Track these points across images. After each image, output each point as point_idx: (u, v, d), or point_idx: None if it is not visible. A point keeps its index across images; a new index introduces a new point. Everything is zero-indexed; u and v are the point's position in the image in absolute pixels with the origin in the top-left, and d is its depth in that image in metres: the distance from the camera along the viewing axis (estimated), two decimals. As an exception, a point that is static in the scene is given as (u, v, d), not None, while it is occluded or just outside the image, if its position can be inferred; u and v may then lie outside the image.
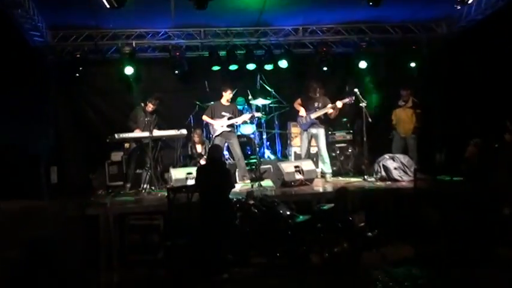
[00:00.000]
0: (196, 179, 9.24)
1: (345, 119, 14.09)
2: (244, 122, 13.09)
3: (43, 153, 11.86)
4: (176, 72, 13.70)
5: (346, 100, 12.22)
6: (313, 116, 12.40)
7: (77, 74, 13.21)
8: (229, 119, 12.56)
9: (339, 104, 12.18)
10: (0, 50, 10.16)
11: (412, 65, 14.06)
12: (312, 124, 12.48)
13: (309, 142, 12.75)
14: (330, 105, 12.28)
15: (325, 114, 12.39)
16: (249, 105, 13.69)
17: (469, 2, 10.32)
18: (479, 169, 9.57)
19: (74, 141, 13.63)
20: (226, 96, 12.67)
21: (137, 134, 12.20)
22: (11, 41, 10.98)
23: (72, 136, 13.61)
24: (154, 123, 12.48)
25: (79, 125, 13.78)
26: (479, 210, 8.48)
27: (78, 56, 12.93)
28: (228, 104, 12.73)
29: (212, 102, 13.09)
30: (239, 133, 13.29)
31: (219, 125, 12.54)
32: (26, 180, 10.86)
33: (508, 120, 9.57)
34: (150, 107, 12.66)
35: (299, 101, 12.76)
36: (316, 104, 12.46)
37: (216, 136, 12.57)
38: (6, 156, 10.23)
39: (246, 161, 13.11)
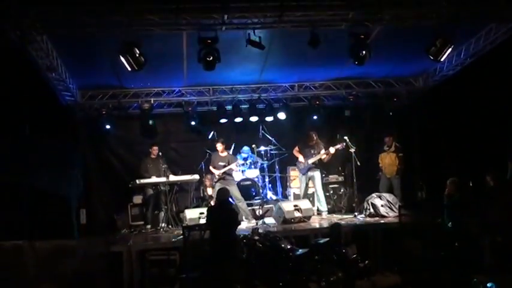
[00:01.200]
0: (207, 218, 9.23)
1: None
2: (249, 168, 13.10)
3: (73, 197, 11.87)
4: (193, 123, 13.79)
5: (338, 146, 12.30)
6: (311, 161, 12.46)
7: (105, 127, 13.28)
8: (223, 167, 12.56)
9: (332, 149, 12.27)
10: (37, 108, 10.25)
11: (394, 114, 14.14)
12: (310, 168, 12.52)
13: (307, 184, 12.76)
14: (323, 151, 12.34)
15: (320, 159, 12.42)
16: (253, 152, 13.71)
17: (442, 60, 10.40)
18: (461, 202, 9.57)
19: (100, 186, 13.65)
20: (219, 147, 12.67)
21: (155, 179, 12.24)
22: (47, 100, 11.13)
23: (98, 182, 13.63)
24: (160, 166, 12.50)
25: (105, 171, 13.79)
26: (458, 240, 8.44)
27: (103, 112, 13.03)
28: (223, 154, 12.68)
29: (210, 153, 13.15)
30: (244, 177, 13.25)
31: (217, 174, 12.54)
32: (59, 221, 10.87)
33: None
34: (152, 154, 12.79)
35: (297, 148, 12.82)
36: (312, 151, 12.51)
37: (216, 182, 12.55)
38: (41, 200, 10.23)
39: (250, 202, 13.12)
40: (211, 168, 12.67)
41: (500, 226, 5.07)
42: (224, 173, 12.44)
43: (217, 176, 12.54)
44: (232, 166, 12.52)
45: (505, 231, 4.96)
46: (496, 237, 5.34)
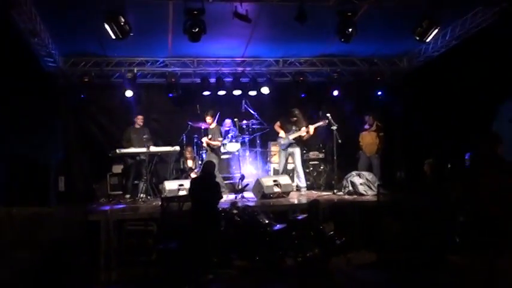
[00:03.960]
0: (190, 190, 9.22)
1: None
2: (230, 141, 13.11)
3: (52, 164, 11.78)
4: (171, 95, 13.67)
5: (319, 123, 12.32)
6: (291, 137, 12.46)
7: (83, 96, 13.16)
8: (209, 138, 12.81)
9: (311, 128, 12.30)
10: (18, 74, 10.10)
11: (377, 93, 14.15)
12: (290, 144, 12.53)
13: (287, 160, 12.78)
14: (304, 128, 12.33)
15: (300, 136, 12.42)
16: (235, 126, 13.67)
17: (427, 41, 10.39)
18: (433, 184, 9.63)
19: (80, 154, 13.50)
20: (208, 120, 12.90)
21: (136, 149, 12.20)
22: (28, 65, 10.93)
23: (78, 150, 13.47)
24: (145, 137, 12.47)
25: (85, 140, 13.66)
26: (433, 220, 8.49)
27: (86, 80, 12.83)
28: (212, 126, 12.90)
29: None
30: (225, 150, 13.23)
31: (205, 143, 12.83)
32: (37, 188, 10.78)
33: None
34: (137, 123, 12.80)
35: (278, 123, 12.81)
36: (294, 127, 12.50)
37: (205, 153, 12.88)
38: (19, 167, 10.14)
39: (229, 175, 13.20)
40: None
41: (462, 206, 5.14)
42: (209, 145, 12.61)
43: (204, 147, 12.75)
44: (215, 142, 12.80)
45: (467, 212, 5.03)
46: (458, 218, 5.42)
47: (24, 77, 10.58)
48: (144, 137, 12.28)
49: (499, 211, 4.86)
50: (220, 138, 12.95)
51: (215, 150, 12.85)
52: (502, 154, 5.21)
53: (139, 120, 12.81)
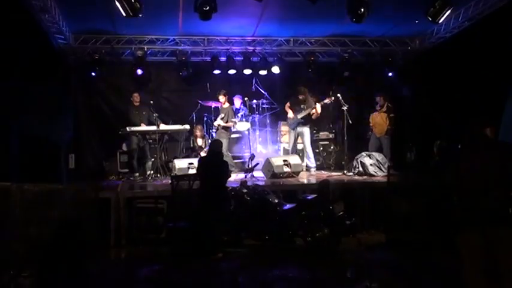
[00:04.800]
0: (198, 168, 9.21)
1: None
2: (240, 120, 13.10)
3: (63, 142, 11.81)
4: (182, 74, 13.62)
5: (326, 101, 12.22)
6: (300, 116, 12.39)
7: (94, 73, 13.11)
8: (221, 119, 12.76)
9: (318, 106, 12.20)
10: (28, 50, 10.07)
11: (388, 74, 14.06)
12: (299, 123, 12.47)
13: (296, 139, 12.75)
14: (312, 106, 12.27)
15: (309, 114, 12.37)
16: (245, 105, 13.64)
17: (440, 21, 10.28)
18: (438, 166, 9.59)
19: (90, 132, 13.60)
20: (221, 99, 12.88)
21: (145, 127, 12.21)
22: (39, 42, 10.90)
23: (88, 127, 13.56)
24: (143, 114, 12.59)
25: (95, 118, 13.69)
26: (439, 201, 8.47)
27: (96, 57, 12.81)
28: (225, 106, 12.88)
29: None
30: (235, 129, 13.21)
31: (216, 124, 12.82)
32: (47, 165, 10.81)
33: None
34: (134, 101, 12.77)
35: (288, 104, 12.74)
36: (302, 106, 12.43)
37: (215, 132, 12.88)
38: (30, 144, 10.16)
39: (239, 154, 13.20)
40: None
41: (455, 187, 5.20)
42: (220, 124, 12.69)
43: (215, 126, 12.75)
44: (229, 124, 12.77)
45: (459, 193, 5.10)
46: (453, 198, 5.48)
47: (34, 55, 10.55)
48: (154, 115, 12.23)
49: (485, 189, 4.92)
50: (234, 119, 12.88)
51: (225, 129, 12.80)
52: (493, 136, 5.34)
53: (136, 97, 12.77)
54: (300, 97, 12.50)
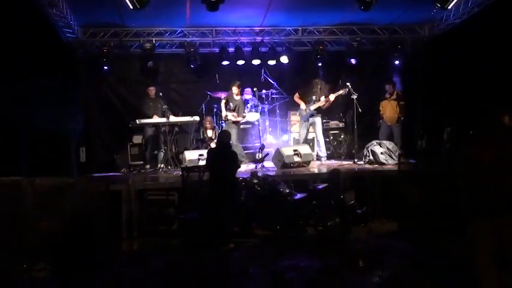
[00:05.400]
0: (207, 160, 9.21)
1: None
2: (250, 111, 13.10)
3: (73, 135, 11.85)
4: (191, 66, 13.60)
5: (340, 92, 12.22)
6: (312, 107, 12.37)
7: (105, 67, 13.12)
8: (233, 110, 12.63)
9: (332, 97, 12.22)
10: (37, 44, 10.10)
11: (397, 62, 13.98)
12: (311, 115, 12.45)
13: (308, 130, 12.71)
14: (323, 98, 12.24)
15: (320, 105, 12.33)
16: (255, 95, 13.62)
17: (449, 8, 10.19)
18: (449, 153, 9.54)
19: (100, 125, 13.60)
20: (234, 90, 12.69)
21: (156, 119, 12.24)
22: (47, 36, 10.93)
23: (98, 120, 13.57)
24: (159, 106, 12.54)
25: (105, 110, 13.70)
26: (450, 189, 8.43)
27: (105, 50, 12.81)
28: (237, 97, 12.74)
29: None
30: (245, 120, 13.19)
31: (223, 114, 12.73)
32: (58, 159, 10.85)
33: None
34: (150, 95, 12.78)
35: (297, 94, 12.72)
36: (314, 97, 12.40)
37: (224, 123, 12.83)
38: (40, 138, 10.20)
39: (249, 145, 13.21)
40: (222, 106, 12.71)
41: (463, 174, 5.15)
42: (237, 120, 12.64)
43: (223, 117, 12.68)
44: (239, 118, 12.63)
45: (466, 179, 5.04)
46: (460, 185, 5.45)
47: (44, 49, 10.58)
48: (164, 107, 12.26)
49: (497, 177, 4.86)
50: (245, 114, 12.82)
51: (235, 121, 12.72)
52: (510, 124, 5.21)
53: (151, 91, 12.78)
54: (311, 89, 12.48)
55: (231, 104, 12.68)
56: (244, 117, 12.79)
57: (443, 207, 8.31)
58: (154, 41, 13.10)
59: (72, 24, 11.90)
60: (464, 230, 5.15)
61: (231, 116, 12.55)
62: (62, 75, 11.65)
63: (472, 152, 5.21)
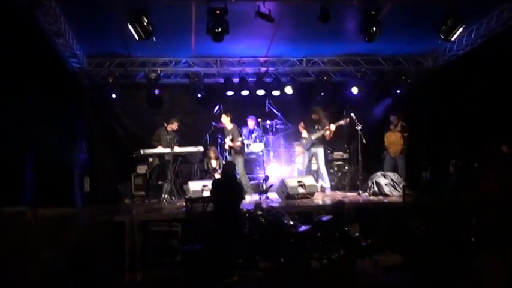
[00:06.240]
0: (212, 191, 9.19)
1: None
2: (254, 141, 13.12)
3: (77, 164, 11.84)
4: (196, 96, 13.71)
5: (340, 122, 12.24)
6: (314, 137, 12.40)
7: (113, 94, 13.23)
8: (231, 140, 12.62)
9: (332, 126, 12.23)
10: (43, 73, 10.14)
11: (401, 93, 14.01)
12: (313, 144, 12.45)
13: (310, 160, 12.71)
14: (326, 127, 12.25)
15: (323, 135, 12.34)
16: (259, 126, 13.64)
17: (452, 39, 10.25)
18: (456, 186, 9.49)
19: (105, 155, 13.65)
20: (223, 119, 12.72)
21: (160, 150, 12.26)
22: (53, 65, 10.99)
23: (103, 150, 13.62)
24: (175, 140, 12.58)
25: (109, 140, 13.76)
26: (455, 222, 8.38)
27: (110, 80, 12.92)
28: (229, 127, 12.74)
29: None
30: (249, 151, 13.20)
31: (227, 145, 12.72)
32: (62, 189, 10.83)
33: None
34: (172, 126, 12.71)
35: (302, 124, 12.76)
36: (316, 126, 12.44)
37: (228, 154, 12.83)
38: (44, 168, 10.18)
39: (253, 176, 13.16)
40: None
41: (472, 208, 5.13)
42: (231, 148, 12.56)
43: (226, 149, 12.73)
44: (237, 143, 12.53)
45: (479, 215, 5.02)
46: (471, 220, 5.40)
47: (49, 78, 10.63)
48: (168, 137, 12.30)
49: (504, 209, 4.84)
50: (240, 138, 12.67)
51: (239, 151, 12.68)
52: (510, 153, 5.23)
53: (174, 125, 12.76)
54: (314, 117, 12.51)
55: (228, 135, 12.69)
56: (240, 141, 12.65)
57: (449, 240, 8.27)
58: (159, 71, 13.15)
59: (78, 54, 11.99)
60: (471, 264, 5.12)
61: (228, 141, 12.56)
62: (68, 104, 11.69)
63: (479, 185, 5.20)
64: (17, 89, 9.69)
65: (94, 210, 10.51)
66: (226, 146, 12.77)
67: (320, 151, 12.55)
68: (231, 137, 12.62)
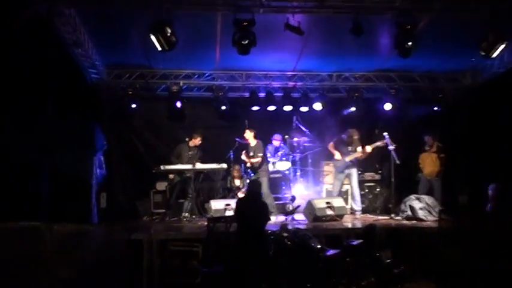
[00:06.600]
0: (236, 210, 9.20)
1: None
2: (280, 159, 13.13)
3: (94, 179, 11.94)
4: (220, 110, 13.75)
5: (378, 144, 12.24)
6: (348, 159, 12.44)
7: (133, 106, 13.30)
8: (248, 155, 12.67)
9: (369, 148, 12.30)
10: (61, 85, 10.28)
11: (438, 111, 13.94)
12: (347, 166, 12.49)
13: (342, 182, 12.69)
14: (360, 148, 12.25)
15: (356, 157, 12.34)
16: (285, 143, 13.66)
17: (494, 56, 10.20)
18: (495, 211, 9.42)
19: (123, 170, 13.73)
20: (246, 135, 12.77)
21: (181, 166, 12.29)
22: (72, 77, 11.14)
23: (121, 165, 13.69)
24: (197, 157, 12.60)
25: (128, 155, 13.87)
26: (494, 249, 8.30)
27: (130, 92, 13.04)
28: (253, 143, 12.78)
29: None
30: (275, 169, 13.21)
31: (245, 159, 12.76)
32: (78, 204, 10.92)
33: None
34: (194, 142, 12.75)
35: (332, 144, 12.77)
36: (350, 148, 12.46)
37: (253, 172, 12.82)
38: (60, 183, 10.28)
39: (279, 195, 13.15)
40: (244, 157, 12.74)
41: None
42: (252, 165, 12.56)
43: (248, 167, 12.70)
44: (256, 160, 12.56)
45: None
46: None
47: (67, 89, 10.76)
48: (190, 153, 12.39)
49: None
50: (260, 154, 12.64)
51: (259, 168, 12.64)
52: None
53: (196, 140, 12.79)
54: (348, 140, 12.55)
55: (250, 152, 12.70)
56: (261, 157, 12.63)
57: (487, 269, 8.19)
58: (181, 84, 13.27)
59: (98, 65, 12.14)
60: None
61: (244, 155, 12.62)
62: (86, 116, 11.81)
63: None
64: (35, 101, 9.84)
65: (111, 227, 10.59)
66: (248, 164, 12.71)
67: (354, 172, 12.63)
68: (251, 153, 12.64)
